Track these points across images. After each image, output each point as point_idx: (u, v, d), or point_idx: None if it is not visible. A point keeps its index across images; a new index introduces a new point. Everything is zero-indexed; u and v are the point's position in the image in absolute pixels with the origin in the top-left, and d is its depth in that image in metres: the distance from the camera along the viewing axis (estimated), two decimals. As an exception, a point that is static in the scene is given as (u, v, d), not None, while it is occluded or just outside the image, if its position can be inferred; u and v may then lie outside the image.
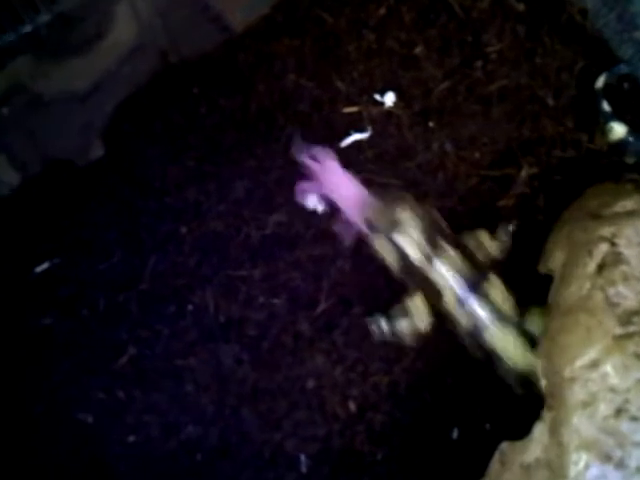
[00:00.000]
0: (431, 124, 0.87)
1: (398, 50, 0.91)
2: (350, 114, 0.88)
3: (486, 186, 0.86)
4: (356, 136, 0.87)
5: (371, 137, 0.87)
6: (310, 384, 0.78)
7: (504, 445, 0.65)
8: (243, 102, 0.89)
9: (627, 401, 0.61)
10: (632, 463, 0.60)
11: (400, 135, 0.87)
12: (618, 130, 0.84)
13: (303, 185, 0.79)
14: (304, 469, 0.75)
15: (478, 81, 0.89)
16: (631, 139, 0.83)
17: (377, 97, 0.88)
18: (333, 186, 0.76)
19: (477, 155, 0.87)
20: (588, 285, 0.66)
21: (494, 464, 0.65)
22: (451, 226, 0.77)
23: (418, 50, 0.90)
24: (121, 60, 0.90)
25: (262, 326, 0.80)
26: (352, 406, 0.77)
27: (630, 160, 0.84)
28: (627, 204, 0.73)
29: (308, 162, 0.76)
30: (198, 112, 0.89)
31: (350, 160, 0.84)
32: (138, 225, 0.86)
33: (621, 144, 0.84)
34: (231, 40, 0.92)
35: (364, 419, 0.76)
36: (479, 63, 0.90)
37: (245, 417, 0.77)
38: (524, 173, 0.85)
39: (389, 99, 0.89)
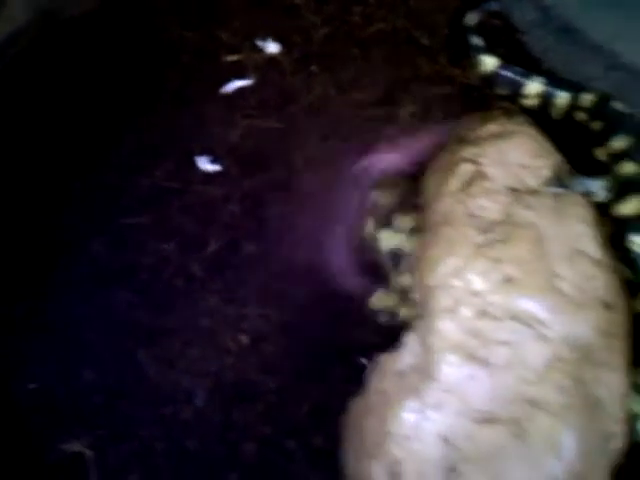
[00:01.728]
0: (313, 69, 0.90)
1: (278, 0, 0.94)
2: (233, 62, 0.90)
3: (369, 126, 0.89)
4: (239, 83, 0.89)
5: (255, 84, 0.89)
6: (203, 323, 0.80)
7: (381, 357, 0.69)
8: (127, 58, 0.91)
9: (488, 303, 0.65)
10: (496, 361, 0.64)
11: (283, 81, 0.90)
12: (489, 63, 0.87)
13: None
14: (200, 403, 0.77)
15: (357, 25, 0.92)
16: (502, 71, 0.87)
17: (259, 45, 0.91)
18: None
19: (359, 96, 0.90)
20: (451, 201, 0.70)
21: (372, 375, 0.69)
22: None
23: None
24: None
25: (154, 270, 0.82)
26: (244, 339, 0.79)
27: (502, 91, 0.88)
28: (492, 128, 0.77)
29: None
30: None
31: (234, 106, 0.88)
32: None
33: (492, 76, 0.88)
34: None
35: (256, 351, 0.79)
36: (358, 9, 0.93)
37: (141, 359, 0.79)
38: (404, 111, 0.89)
39: (271, 47, 0.91)
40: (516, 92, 0.86)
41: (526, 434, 0.63)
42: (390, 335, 0.72)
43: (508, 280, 0.65)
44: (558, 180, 0.72)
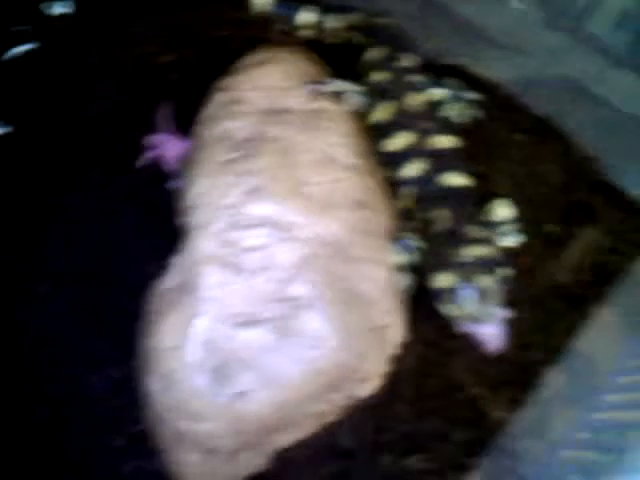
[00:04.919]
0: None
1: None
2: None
3: (164, 71, 0.92)
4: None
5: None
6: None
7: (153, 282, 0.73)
8: None
9: (239, 214, 0.69)
10: (249, 266, 0.68)
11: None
12: (258, 2, 0.92)
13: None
14: None
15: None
16: (274, 8, 0.92)
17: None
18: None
19: (154, 48, 0.94)
20: (203, 127, 0.74)
21: (147, 299, 0.73)
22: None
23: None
24: None
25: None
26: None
27: (279, 26, 0.92)
28: (249, 60, 0.81)
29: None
30: None
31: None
32: None
33: (267, 14, 0.92)
34: None
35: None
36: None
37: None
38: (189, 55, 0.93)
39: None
40: (290, 25, 0.91)
41: (288, 330, 0.68)
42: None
43: (256, 190, 0.69)
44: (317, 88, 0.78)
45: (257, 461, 0.69)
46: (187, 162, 0.75)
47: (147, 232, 0.82)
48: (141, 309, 0.73)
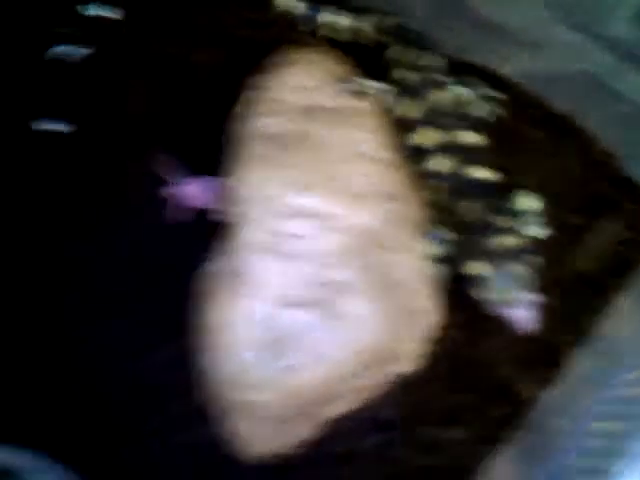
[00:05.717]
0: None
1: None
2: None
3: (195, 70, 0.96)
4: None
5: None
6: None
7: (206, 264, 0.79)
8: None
9: (280, 205, 0.74)
10: (295, 253, 0.74)
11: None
12: (282, 2, 0.97)
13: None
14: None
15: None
16: (297, 9, 0.97)
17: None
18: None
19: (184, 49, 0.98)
20: (247, 121, 0.80)
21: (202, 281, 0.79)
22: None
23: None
24: None
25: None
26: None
27: (303, 27, 0.97)
28: (278, 59, 0.86)
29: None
30: None
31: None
32: None
33: (292, 15, 0.97)
34: None
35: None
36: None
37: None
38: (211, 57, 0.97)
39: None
40: (314, 25, 0.97)
41: (332, 312, 0.73)
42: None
43: (295, 182, 0.75)
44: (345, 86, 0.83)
45: (305, 430, 0.74)
46: (227, 157, 0.81)
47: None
48: (192, 291, 0.79)
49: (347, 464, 0.77)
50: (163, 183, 0.87)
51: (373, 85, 0.85)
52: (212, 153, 0.83)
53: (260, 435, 0.75)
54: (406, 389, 0.77)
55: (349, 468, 0.78)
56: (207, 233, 0.80)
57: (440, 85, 0.87)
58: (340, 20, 0.95)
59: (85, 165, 0.91)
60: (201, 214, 0.85)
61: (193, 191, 0.84)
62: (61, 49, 0.98)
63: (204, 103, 0.92)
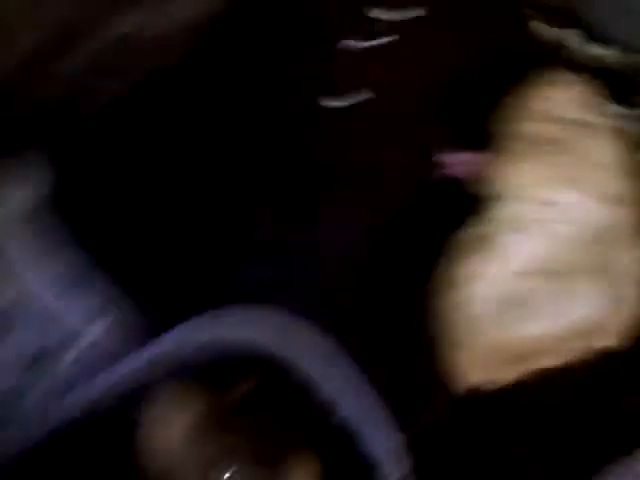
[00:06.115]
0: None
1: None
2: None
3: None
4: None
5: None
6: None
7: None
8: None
9: (531, 194, 0.93)
10: (532, 233, 0.92)
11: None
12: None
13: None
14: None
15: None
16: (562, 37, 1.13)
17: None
18: None
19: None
20: (510, 125, 0.99)
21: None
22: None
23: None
24: None
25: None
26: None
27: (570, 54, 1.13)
28: (539, 76, 1.03)
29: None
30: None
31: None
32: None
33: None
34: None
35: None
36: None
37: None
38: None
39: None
40: (575, 53, 1.12)
41: (559, 285, 0.91)
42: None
43: (543, 177, 0.94)
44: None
45: (516, 374, 0.93)
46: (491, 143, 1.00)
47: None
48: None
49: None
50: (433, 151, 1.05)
51: (621, 110, 1.02)
52: (479, 133, 1.00)
53: (476, 372, 0.94)
54: (609, 361, 0.93)
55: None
56: (464, 203, 0.99)
57: None
58: (589, 48, 1.10)
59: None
60: (461, 184, 1.02)
61: (458, 161, 1.03)
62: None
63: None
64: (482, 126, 1.02)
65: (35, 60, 0.99)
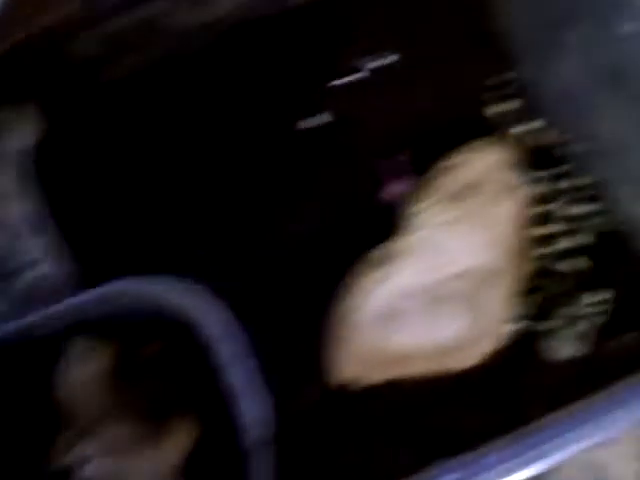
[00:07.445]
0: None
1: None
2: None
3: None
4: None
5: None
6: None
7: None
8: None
9: (438, 226, 1.10)
10: (430, 261, 1.08)
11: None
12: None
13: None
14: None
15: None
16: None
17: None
18: None
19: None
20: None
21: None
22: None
23: None
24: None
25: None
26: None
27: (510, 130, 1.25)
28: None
29: None
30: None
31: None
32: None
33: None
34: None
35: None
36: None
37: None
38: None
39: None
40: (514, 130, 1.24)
41: (438, 305, 1.08)
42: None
43: (453, 217, 1.11)
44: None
45: (385, 377, 1.09)
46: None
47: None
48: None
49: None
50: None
51: (527, 172, 1.15)
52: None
53: (348, 366, 1.09)
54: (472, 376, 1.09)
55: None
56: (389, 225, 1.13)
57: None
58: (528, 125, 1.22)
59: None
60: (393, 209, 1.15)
61: (397, 190, 1.18)
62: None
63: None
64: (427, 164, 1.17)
65: (69, 25, 1.11)
